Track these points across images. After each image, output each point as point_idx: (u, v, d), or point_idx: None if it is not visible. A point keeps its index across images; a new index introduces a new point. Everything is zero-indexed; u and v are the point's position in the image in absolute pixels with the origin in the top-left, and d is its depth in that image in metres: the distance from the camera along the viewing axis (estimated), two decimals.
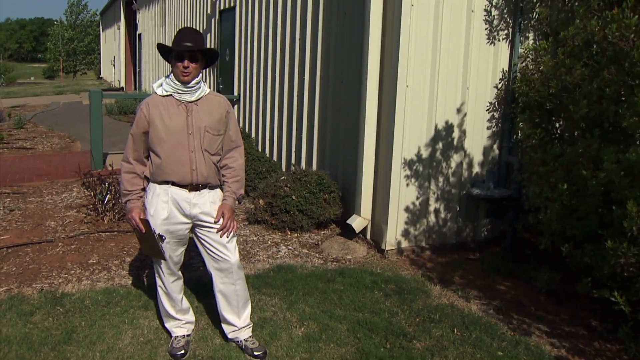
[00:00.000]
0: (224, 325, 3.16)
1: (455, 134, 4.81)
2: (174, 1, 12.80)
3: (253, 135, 7.58)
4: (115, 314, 3.49)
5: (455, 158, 4.86)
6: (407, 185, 4.70)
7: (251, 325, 3.19)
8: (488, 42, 4.77)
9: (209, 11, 9.71)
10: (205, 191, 2.93)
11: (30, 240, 4.77)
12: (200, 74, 2.90)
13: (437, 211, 4.90)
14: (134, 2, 18.83)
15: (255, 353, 3.06)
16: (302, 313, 3.58)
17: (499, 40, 4.80)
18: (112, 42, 27.28)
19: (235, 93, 8.29)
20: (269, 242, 4.98)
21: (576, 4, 3.96)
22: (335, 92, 5.43)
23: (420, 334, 3.38)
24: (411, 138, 4.63)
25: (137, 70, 19.86)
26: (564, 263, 3.67)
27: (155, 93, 2.89)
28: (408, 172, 4.68)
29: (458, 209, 4.98)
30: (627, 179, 3.05)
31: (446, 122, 4.74)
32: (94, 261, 4.38)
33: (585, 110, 3.48)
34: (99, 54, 37.68)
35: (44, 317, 3.42)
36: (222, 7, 8.94)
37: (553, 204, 3.58)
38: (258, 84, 7.37)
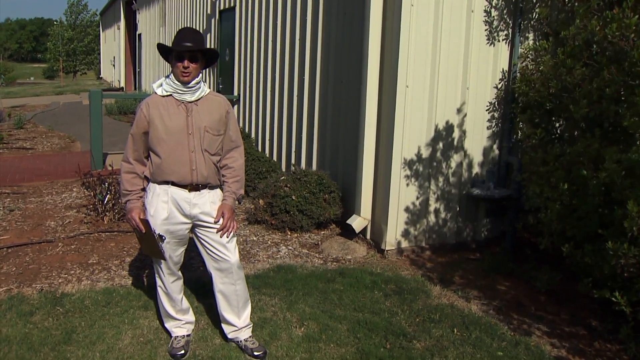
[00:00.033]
0: (223, 325, 3.16)
1: (455, 134, 4.81)
2: (173, 1, 12.80)
3: (253, 135, 7.58)
4: (115, 314, 3.49)
5: (455, 158, 4.86)
6: (407, 185, 4.70)
7: (251, 325, 3.19)
8: (488, 43, 4.77)
9: (208, 11, 9.71)
10: (205, 191, 2.93)
11: (30, 240, 4.76)
12: (200, 74, 2.90)
13: (437, 211, 4.89)
14: (133, 2, 18.83)
15: (255, 353, 3.06)
16: (302, 313, 3.58)
17: (499, 41, 4.80)
18: (112, 42, 27.28)
19: (235, 93, 8.29)
20: (269, 242, 4.98)
21: (576, 4, 3.96)
22: (335, 92, 5.43)
23: (420, 334, 3.38)
24: (411, 138, 4.62)
25: (137, 70, 19.86)
26: (564, 263, 3.67)
27: (155, 93, 2.89)
28: (408, 172, 4.68)
29: (458, 209, 4.98)
30: (628, 180, 3.04)
31: (446, 122, 4.74)
32: (94, 261, 4.38)
33: (586, 110, 3.48)
34: (99, 54, 37.70)
35: (43, 317, 3.42)
36: (222, 7, 8.94)
37: (553, 203, 3.58)
38: (258, 84, 7.37)
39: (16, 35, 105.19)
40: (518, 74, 4.74)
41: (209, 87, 3.15)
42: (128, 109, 13.79)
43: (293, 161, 6.29)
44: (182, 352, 3.07)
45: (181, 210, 2.90)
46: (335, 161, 5.48)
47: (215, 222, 2.91)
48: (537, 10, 4.77)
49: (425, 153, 4.71)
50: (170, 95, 2.86)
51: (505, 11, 4.76)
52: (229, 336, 3.16)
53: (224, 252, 2.94)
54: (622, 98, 3.35)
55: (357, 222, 4.90)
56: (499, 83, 4.87)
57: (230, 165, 3.03)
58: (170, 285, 3.08)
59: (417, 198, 4.77)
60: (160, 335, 3.26)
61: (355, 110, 4.96)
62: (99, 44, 37.49)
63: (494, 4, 4.70)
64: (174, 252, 3.00)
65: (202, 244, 3.00)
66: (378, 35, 4.67)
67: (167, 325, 3.22)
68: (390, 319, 3.55)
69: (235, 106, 8.24)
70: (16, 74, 48.49)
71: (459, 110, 4.77)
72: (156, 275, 3.10)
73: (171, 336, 3.19)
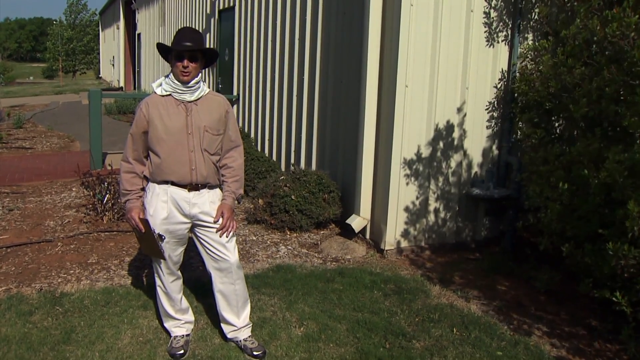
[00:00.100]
0: (223, 325, 3.16)
1: (455, 133, 4.81)
2: (173, 1, 12.80)
3: (252, 135, 7.58)
4: (115, 313, 3.49)
5: (455, 158, 4.86)
6: (407, 184, 4.70)
7: (250, 325, 3.19)
8: (487, 43, 4.77)
9: (208, 11, 9.71)
10: (204, 191, 2.93)
11: (29, 240, 4.76)
12: (200, 74, 2.90)
13: (436, 211, 4.89)
14: (133, 1, 18.81)
15: (255, 353, 3.06)
16: (301, 313, 3.57)
17: (498, 42, 4.80)
18: (112, 42, 27.26)
19: (235, 93, 8.29)
20: (268, 242, 4.97)
21: (575, 3, 3.96)
22: (334, 91, 5.42)
23: (420, 334, 3.38)
24: (410, 138, 4.62)
25: (136, 70, 19.85)
26: (563, 263, 3.67)
27: (155, 93, 2.89)
28: (407, 172, 4.68)
29: (457, 208, 4.98)
30: (630, 179, 3.04)
31: (446, 122, 4.74)
32: (93, 261, 4.37)
33: (585, 110, 3.48)
34: (98, 53, 37.68)
35: (43, 317, 3.41)
36: (221, 7, 8.94)
37: (553, 203, 3.57)
38: (257, 83, 7.36)
39: (15, 34, 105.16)
40: (517, 74, 4.74)
41: (209, 87, 3.15)
42: (127, 109, 13.79)
43: (292, 161, 6.29)
44: (182, 351, 3.06)
45: (180, 209, 2.90)
46: (334, 161, 5.48)
47: (215, 222, 2.91)
48: (536, 10, 4.77)
49: (424, 153, 4.71)
50: (170, 94, 2.86)
51: (504, 12, 4.75)
52: (229, 336, 3.15)
53: (223, 252, 2.94)
54: (622, 98, 3.35)
55: (357, 222, 4.89)
56: (499, 83, 4.86)
57: (230, 165, 3.03)
58: (170, 285, 3.07)
59: (417, 198, 4.77)
60: (160, 335, 3.26)
61: (355, 109, 4.95)
62: (99, 44, 37.48)
63: (493, 5, 4.70)
64: (173, 252, 3.00)
65: (201, 243, 2.99)
66: (377, 35, 4.67)
67: (166, 324, 3.21)
68: (389, 319, 3.55)
69: (235, 106, 8.23)
70: (15, 74, 48.49)
71: (458, 110, 4.77)
72: (155, 274, 3.10)
73: (170, 336, 3.18)
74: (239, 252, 3.11)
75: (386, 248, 4.74)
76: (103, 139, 7.68)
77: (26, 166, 7.80)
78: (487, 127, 4.93)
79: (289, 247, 4.87)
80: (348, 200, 5.14)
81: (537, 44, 4.35)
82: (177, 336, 3.16)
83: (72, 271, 4.16)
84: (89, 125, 7.58)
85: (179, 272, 3.13)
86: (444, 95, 4.68)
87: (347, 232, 5.05)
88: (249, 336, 3.15)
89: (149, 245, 2.92)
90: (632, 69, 3.16)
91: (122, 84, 22.81)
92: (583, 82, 3.56)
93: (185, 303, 3.21)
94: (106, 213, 5.26)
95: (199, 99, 2.89)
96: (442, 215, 4.92)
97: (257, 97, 7.38)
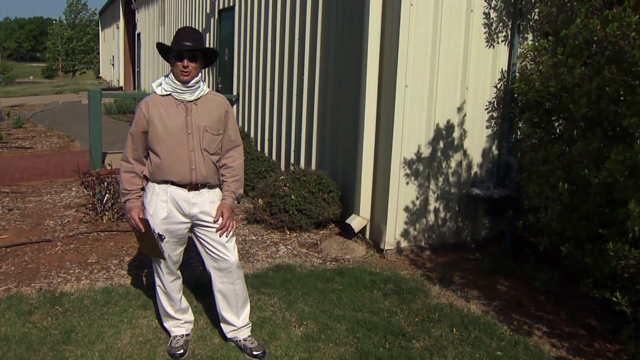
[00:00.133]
0: (222, 325, 3.16)
1: (455, 133, 4.81)
2: (173, 0, 12.79)
3: (252, 134, 7.57)
4: (114, 313, 3.48)
5: (455, 158, 4.86)
6: (407, 184, 4.70)
7: (250, 324, 3.19)
8: (487, 43, 4.77)
9: (208, 10, 9.70)
10: (204, 191, 2.93)
11: (29, 239, 4.76)
12: (200, 74, 2.90)
13: (436, 211, 4.89)
14: (133, 1, 18.81)
15: (254, 353, 3.06)
16: (301, 313, 3.57)
17: (498, 42, 4.80)
18: (111, 42, 27.25)
19: (235, 93, 8.29)
20: (268, 242, 4.97)
21: (575, 3, 3.96)
22: (334, 91, 5.42)
23: (420, 334, 3.38)
24: (410, 138, 4.62)
25: (136, 69, 19.84)
26: (563, 263, 3.67)
27: (155, 92, 2.89)
28: (407, 172, 4.68)
29: (457, 208, 4.98)
30: (631, 179, 3.04)
31: (445, 122, 4.74)
32: (93, 261, 4.37)
33: (585, 110, 3.48)
34: (98, 53, 37.67)
35: (42, 317, 3.41)
36: (221, 7, 8.94)
37: (553, 203, 3.57)
38: (257, 83, 7.36)
39: (15, 34, 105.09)
40: (517, 74, 4.74)
41: (208, 87, 3.15)
42: (127, 109, 13.78)
43: (292, 161, 6.29)
44: (181, 351, 3.06)
45: (180, 209, 2.90)
46: (334, 161, 5.47)
47: (215, 222, 2.91)
48: (536, 10, 4.77)
49: (424, 152, 4.71)
50: (170, 94, 2.85)
51: (504, 12, 4.75)
52: (228, 336, 3.15)
53: (223, 252, 2.94)
54: (622, 98, 3.34)
55: (356, 222, 4.89)
56: (499, 83, 4.86)
57: (230, 165, 3.03)
58: (170, 285, 3.07)
59: (417, 198, 4.77)
60: (159, 335, 3.25)
61: (355, 109, 4.95)
62: (98, 43, 37.46)
63: (492, 5, 4.70)
64: (173, 252, 3.00)
65: (201, 243, 2.99)
66: (377, 34, 4.67)
67: (166, 324, 3.21)
68: (389, 319, 3.55)
69: (235, 106, 8.23)
70: (15, 73, 48.43)
71: (458, 110, 4.77)
72: (155, 274, 3.10)
73: (170, 335, 3.18)
74: (238, 251, 3.11)
75: (386, 248, 4.74)
76: (103, 138, 7.68)
77: (26, 166, 7.80)
78: (487, 127, 4.93)
79: (289, 247, 4.87)
80: (348, 200, 5.14)
81: (537, 44, 4.35)
82: (176, 336, 3.16)
83: (71, 271, 4.16)
84: (88, 125, 7.58)
85: (179, 272, 3.13)
86: (443, 95, 4.68)
87: (347, 232, 5.05)
88: (249, 336, 3.15)
89: (148, 245, 2.92)
90: (632, 69, 3.16)
91: (121, 83, 22.81)
92: (583, 82, 3.56)
93: (184, 303, 3.21)
94: (106, 213, 5.26)
95: (198, 98, 2.88)
96: (442, 215, 4.92)
97: (257, 97, 7.38)
